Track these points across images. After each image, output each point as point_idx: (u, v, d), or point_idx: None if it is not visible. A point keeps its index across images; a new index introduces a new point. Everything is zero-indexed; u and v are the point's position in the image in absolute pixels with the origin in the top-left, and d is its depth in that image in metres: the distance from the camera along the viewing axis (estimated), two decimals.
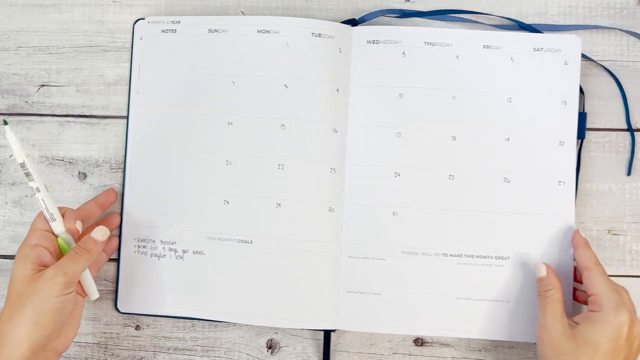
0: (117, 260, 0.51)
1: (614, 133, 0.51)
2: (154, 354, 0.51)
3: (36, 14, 0.53)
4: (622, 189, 0.51)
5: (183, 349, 0.51)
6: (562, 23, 0.52)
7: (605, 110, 0.52)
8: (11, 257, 0.52)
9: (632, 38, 0.52)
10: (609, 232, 0.51)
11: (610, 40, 0.52)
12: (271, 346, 0.51)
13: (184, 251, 0.50)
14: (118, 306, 0.51)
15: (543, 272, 0.47)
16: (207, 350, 0.51)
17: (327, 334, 0.50)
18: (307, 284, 0.49)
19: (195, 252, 0.50)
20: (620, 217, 0.51)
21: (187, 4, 0.53)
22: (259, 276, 0.49)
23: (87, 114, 0.53)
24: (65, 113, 0.53)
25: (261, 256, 0.49)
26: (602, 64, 0.52)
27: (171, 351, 0.51)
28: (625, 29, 0.52)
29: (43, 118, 0.53)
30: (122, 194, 0.51)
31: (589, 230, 0.51)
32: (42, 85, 0.53)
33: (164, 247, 0.50)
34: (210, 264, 0.49)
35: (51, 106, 0.53)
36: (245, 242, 0.49)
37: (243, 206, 0.49)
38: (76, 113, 0.53)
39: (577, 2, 0.52)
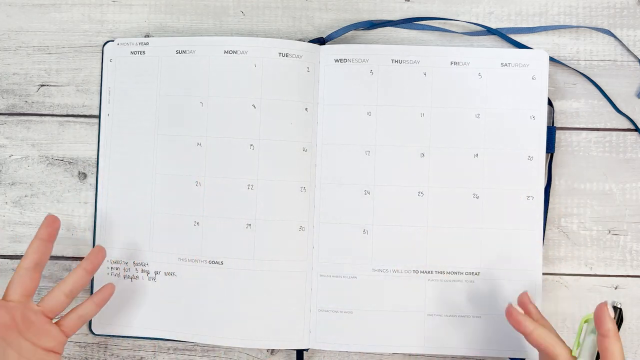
0: (91, 281, 0.51)
1: (614, 133, 0.52)
2: (154, 354, 0.52)
3: (36, 14, 0.54)
4: (622, 189, 0.51)
5: (183, 349, 0.52)
6: (562, 23, 0.52)
7: (605, 110, 0.52)
8: (11, 257, 0.53)
9: (613, 37, 0.52)
10: (609, 232, 0.51)
11: (598, 40, 0.52)
12: None
13: (156, 273, 0.50)
14: (92, 328, 0.51)
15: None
16: (207, 351, 0.52)
17: (300, 353, 0.50)
18: (279, 303, 0.49)
19: (167, 274, 0.50)
20: (620, 217, 0.51)
21: (187, 3, 0.53)
22: (231, 297, 0.49)
23: (87, 114, 0.53)
24: (65, 113, 0.53)
25: (232, 277, 0.49)
26: (585, 63, 0.52)
27: (171, 351, 0.52)
28: (616, 28, 0.52)
29: (43, 118, 0.53)
30: (95, 215, 0.51)
31: (589, 230, 0.51)
32: (42, 85, 0.53)
33: (136, 269, 0.50)
34: (182, 286, 0.50)
35: (51, 106, 0.53)
36: (216, 263, 0.49)
37: (213, 227, 0.49)
38: (76, 113, 0.53)
39: (577, 2, 0.52)
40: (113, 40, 0.52)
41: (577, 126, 0.52)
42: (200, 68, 0.50)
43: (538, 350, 0.43)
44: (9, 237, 0.53)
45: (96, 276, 0.51)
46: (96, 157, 0.52)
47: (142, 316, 0.50)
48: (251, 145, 0.49)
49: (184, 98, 0.50)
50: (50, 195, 0.53)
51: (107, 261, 0.51)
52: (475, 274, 0.49)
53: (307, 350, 0.50)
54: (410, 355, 0.51)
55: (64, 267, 0.52)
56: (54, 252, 0.52)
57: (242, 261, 0.49)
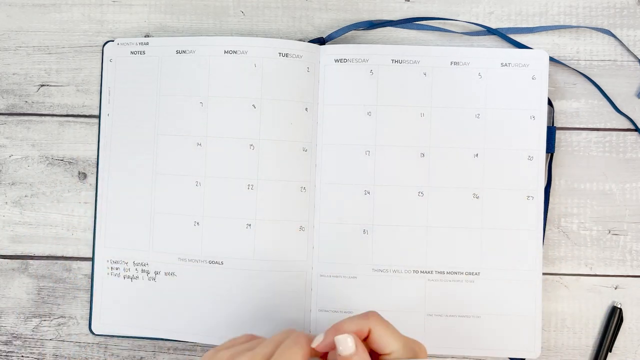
0: (91, 281, 0.51)
1: (614, 133, 0.52)
2: (154, 354, 0.52)
3: (36, 14, 0.54)
4: (622, 189, 0.51)
5: (183, 349, 0.52)
6: (562, 23, 0.52)
7: (605, 110, 0.52)
8: (11, 257, 0.52)
9: (612, 37, 0.52)
10: (609, 232, 0.51)
11: (598, 40, 0.52)
12: None
13: (156, 272, 0.50)
14: (92, 328, 0.51)
15: (351, 348, 0.35)
16: (208, 351, 0.51)
17: None
18: (279, 303, 0.49)
19: (167, 274, 0.50)
20: (620, 217, 0.51)
21: (186, 3, 0.53)
22: (231, 297, 0.49)
23: (87, 114, 0.53)
24: (65, 113, 0.53)
25: (232, 277, 0.49)
26: (585, 63, 0.52)
27: (171, 351, 0.52)
28: (616, 28, 0.52)
29: (43, 118, 0.53)
30: (95, 215, 0.51)
31: (589, 230, 0.51)
32: (42, 85, 0.53)
33: (136, 269, 0.50)
34: (181, 286, 0.50)
35: (51, 106, 0.53)
36: (216, 263, 0.49)
37: (213, 227, 0.49)
38: (76, 113, 0.53)
39: (577, 2, 0.52)
40: (113, 40, 0.52)
41: (577, 126, 0.52)
42: (200, 68, 0.50)
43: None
44: (9, 237, 0.53)
45: (96, 276, 0.51)
46: (96, 157, 0.52)
47: (142, 316, 0.50)
48: (251, 145, 0.49)
49: (184, 98, 0.50)
50: (50, 195, 0.53)
51: (107, 261, 0.51)
52: (475, 274, 0.49)
53: None
54: None
55: (64, 267, 0.52)
56: (54, 252, 0.52)
57: (242, 261, 0.49)
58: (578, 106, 0.52)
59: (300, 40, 0.52)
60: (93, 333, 0.51)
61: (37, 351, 0.52)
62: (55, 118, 0.53)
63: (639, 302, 0.51)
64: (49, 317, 0.52)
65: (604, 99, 0.52)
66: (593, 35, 0.52)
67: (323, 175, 0.50)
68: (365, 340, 0.37)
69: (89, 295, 0.51)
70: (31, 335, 0.52)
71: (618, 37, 0.52)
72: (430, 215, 0.50)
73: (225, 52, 0.50)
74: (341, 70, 0.50)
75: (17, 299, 0.52)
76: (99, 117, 0.52)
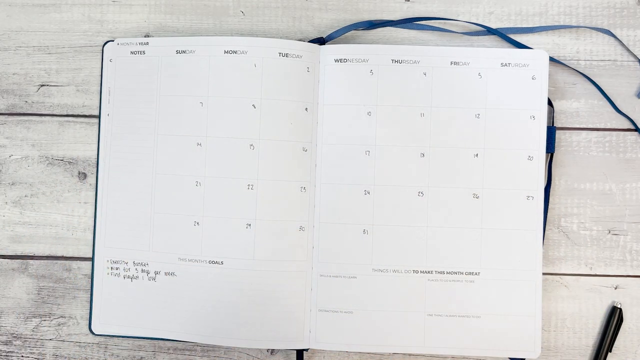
0: (91, 281, 0.51)
1: (614, 133, 0.52)
2: (154, 354, 0.52)
3: (36, 14, 0.54)
4: (622, 189, 0.51)
5: (183, 349, 0.52)
6: (562, 23, 0.52)
7: (605, 110, 0.52)
8: (11, 257, 0.52)
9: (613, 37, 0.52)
10: (609, 232, 0.51)
11: (598, 40, 0.52)
12: None
13: (156, 272, 0.50)
14: (92, 328, 0.51)
15: None
16: (207, 351, 0.52)
17: (300, 353, 0.50)
18: (279, 303, 0.49)
19: (167, 274, 0.50)
20: (620, 217, 0.51)
21: (187, 3, 0.53)
22: (231, 297, 0.49)
23: (87, 114, 0.53)
24: (65, 113, 0.53)
25: (232, 277, 0.49)
26: (585, 63, 0.52)
27: (171, 351, 0.52)
28: (616, 28, 0.52)
29: (43, 118, 0.53)
30: (95, 215, 0.51)
31: (589, 230, 0.51)
32: (42, 85, 0.53)
33: (136, 269, 0.50)
34: (181, 286, 0.50)
35: (51, 106, 0.53)
36: (216, 263, 0.49)
37: (213, 227, 0.49)
38: (76, 113, 0.53)
39: (577, 2, 0.52)
40: (113, 40, 0.52)
41: (577, 126, 0.52)
42: (200, 68, 0.50)
43: None
44: (9, 237, 0.53)
45: (96, 276, 0.51)
46: (96, 157, 0.52)
47: (142, 316, 0.50)
48: (251, 145, 0.49)
49: (184, 98, 0.50)
50: (50, 195, 0.53)
51: (107, 261, 0.51)
52: (475, 274, 0.49)
53: (307, 350, 0.50)
54: (410, 355, 0.51)
55: (64, 267, 0.52)
56: (54, 252, 0.52)
57: (242, 261, 0.49)
58: (578, 106, 0.52)
59: (300, 40, 0.52)
60: (93, 333, 0.51)
61: (37, 351, 0.52)
62: (55, 118, 0.53)
63: (639, 302, 0.51)
64: (49, 317, 0.52)
65: (604, 99, 0.52)
66: (593, 35, 0.52)
67: (323, 175, 0.50)
68: None
69: (89, 295, 0.51)
70: (31, 335, 0.52)
71: (618, 37, 0.52)
72: (430, 215, 0.50)
73: (225, 52, 0.50)
74: (341, 70, 0.50)
75: (17, 299, 0.53)
76: (99, 117, 0.52)
